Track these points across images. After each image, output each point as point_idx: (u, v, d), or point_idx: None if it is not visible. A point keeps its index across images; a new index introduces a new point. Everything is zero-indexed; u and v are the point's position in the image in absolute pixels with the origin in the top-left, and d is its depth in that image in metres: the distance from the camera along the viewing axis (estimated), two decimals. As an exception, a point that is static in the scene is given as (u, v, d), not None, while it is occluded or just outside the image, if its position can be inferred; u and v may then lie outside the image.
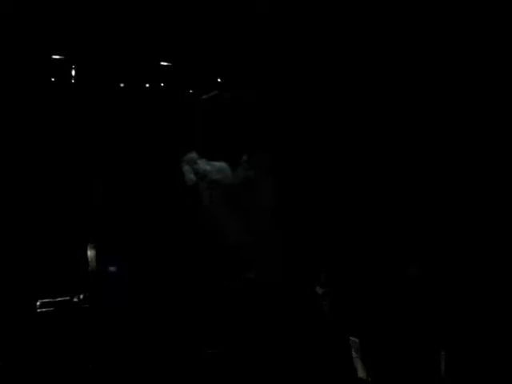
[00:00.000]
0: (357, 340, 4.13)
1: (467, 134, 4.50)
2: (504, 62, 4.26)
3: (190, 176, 4.99)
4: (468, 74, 4.43)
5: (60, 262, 4.60)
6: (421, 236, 4.62)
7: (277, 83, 5.01)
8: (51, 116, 4.86)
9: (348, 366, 4.09)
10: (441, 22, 4.38)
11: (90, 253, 4.30)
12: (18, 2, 4.22)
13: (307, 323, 4.25)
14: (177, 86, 5.17)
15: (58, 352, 4.00)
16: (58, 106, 4.89)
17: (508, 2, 4.10)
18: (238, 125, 5.04)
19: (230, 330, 4.47)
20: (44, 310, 4.12)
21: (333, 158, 5.06)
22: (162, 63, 5.09)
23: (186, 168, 5.04)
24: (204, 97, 5.08)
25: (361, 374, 4.06)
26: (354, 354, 4.12)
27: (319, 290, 4.39)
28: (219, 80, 5.15)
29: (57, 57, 4.80)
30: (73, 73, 4.92)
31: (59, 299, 4.18)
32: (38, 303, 4.12)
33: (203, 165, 5.01)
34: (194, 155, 5.13)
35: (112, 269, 4.36)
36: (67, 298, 4.19)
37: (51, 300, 4.16)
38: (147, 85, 5.15)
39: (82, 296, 4.17)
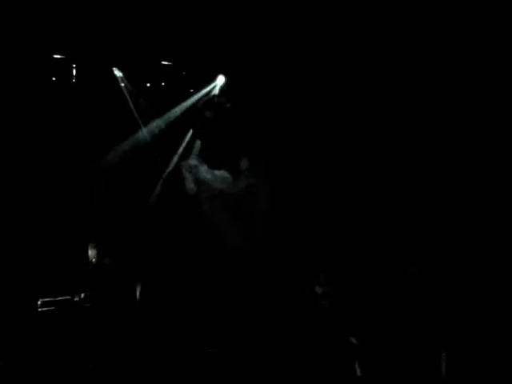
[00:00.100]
0: (356, 340, 4.14)
1: (467, 134, 4.50)
2: (503, 62, 4.26)
3: (191, 186, 4.98)
4: (467, 75, 4.42)
5: (61, 261, 4.64)
6: (421, 236, 4.62)
7: (277, 83, 5.01)
8: (52, 115, 4.88)
9: (348, 366, 4.10)
10: (440, 22, 4.38)
11: (91, 252, 4.32)
12: (18, 2, 4.23)
13: (307, 323, 4.26)
14: (177, 85, 5.19)
15: (59, 351, 4.02)
16: (59, 104, 4.92)
17: (508, 2, 4.10)
18: (237, 128, 5.04)
19: (229, 330, 4.49)
20: (45, 309, 4.14)
21: (333, 158, 5.06)
22: (163, 62, 5.11)
23: (187, 176, 5.02)
24: (200, 102, 5.09)
25: (360, 373, 4.06)
26: (353, 353, 4.13)
27: (319, 290, 4.39)
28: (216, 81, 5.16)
29: (58, 56, 4.83)
30: (74, 72, 4.95)
31: (60, 298, 4.19)
32: (39, 302, 4.14)
33: (204, 174, 4.99)
34: (193, 162, 5.10)
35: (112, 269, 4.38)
36: (68, 297, 4.21)
37: (52, 299, 4.17)
38: (148, 84, 5.16)
39: (82, 295, 4.19)
